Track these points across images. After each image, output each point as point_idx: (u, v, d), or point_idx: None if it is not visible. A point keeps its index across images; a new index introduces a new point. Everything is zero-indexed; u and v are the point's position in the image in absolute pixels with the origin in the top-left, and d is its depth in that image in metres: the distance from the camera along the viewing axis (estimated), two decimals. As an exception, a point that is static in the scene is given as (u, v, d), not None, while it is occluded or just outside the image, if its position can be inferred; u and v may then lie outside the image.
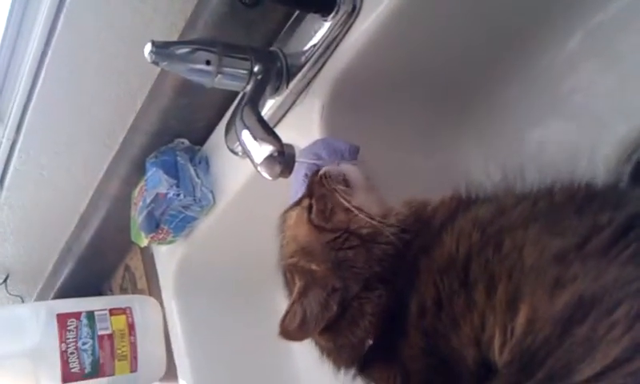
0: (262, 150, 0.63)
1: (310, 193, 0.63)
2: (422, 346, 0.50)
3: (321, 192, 0.62)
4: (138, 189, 1.13)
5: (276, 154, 0.63)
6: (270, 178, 0.65)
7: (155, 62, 0.71)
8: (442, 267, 0.50)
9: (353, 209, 0.59)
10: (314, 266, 0.58)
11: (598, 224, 0.45)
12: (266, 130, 0.65)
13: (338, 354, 0.60)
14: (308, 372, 1.19)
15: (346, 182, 0.62)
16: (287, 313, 0.56)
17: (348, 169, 0.64)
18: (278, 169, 0.64)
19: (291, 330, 0.56)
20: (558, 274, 0.42)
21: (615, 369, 0.38)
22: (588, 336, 0.39)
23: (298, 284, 0.57)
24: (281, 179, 0.68)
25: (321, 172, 0.63)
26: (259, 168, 0.64)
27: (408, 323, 0.51)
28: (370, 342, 0.58)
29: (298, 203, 0.65)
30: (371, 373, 0.58)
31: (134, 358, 1.21)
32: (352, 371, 0.60)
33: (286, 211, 0.66)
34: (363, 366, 0.59)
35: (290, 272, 0.61)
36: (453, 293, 0.48)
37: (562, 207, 0.49)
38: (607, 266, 0.42)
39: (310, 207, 0.62)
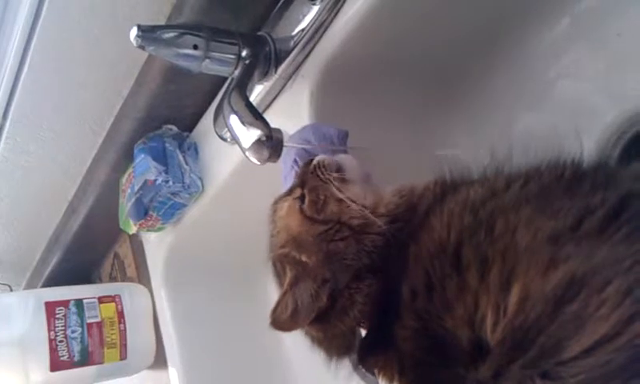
0: (249, 135, 0.63)
1: (302, 183, 0.63)
2: (415, 327, 0.50)
3: (315, 183, 0.61)
4: (126, 175, 1.12)
5: (264, 138, 0.63)
6: (259, 163, 0.65)
7: (141, 47, 0.70)
8: (432, 252, 0.50)
9: (347, 200, 0.59)
10: (304, 258, 0.58)
11: (590, 205, 0.45)
12: (254, 115, 0.65)
13: (330, 343, 0.60)
14: (298, 359, 1.20)
15: (340, 172, 0.62)
16: (278, 303, 0.56)
17: (344, 159, 0.64)
18: (266, 153, 0.63)
19: (282, 321, 0.56)
20: (551, 254, 0.43)
21: (603, 344, 0.39)
22: (578, 313, 0.40)
23: (289, 275, 0.57)
24: (270, 165, 0.68)
25: (315, 162, 0.63)
26: (247, 153, 0.64)
27: (401, 307, 0.52)
28: (365, 331, 0.59)
29: (289, 193, 0.64)
30: (371, 362, 0.58)
31: (124, 345, 1.20)
32: (346, 361, 0.61)
33: (277, 201, 0.66)
34: (362, 356, 0.59)
35: (280, 262, 0.61)
36: (444, 276, 0.48)
37: (552, 188, 0.49)
38: (600, 246, 0.43)
39: (302, 197, 0.61)
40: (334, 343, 0.60)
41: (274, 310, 0.56)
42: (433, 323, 0.48)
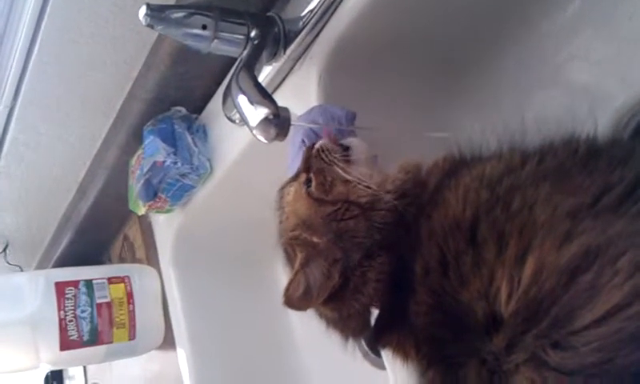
0: (257, 113, 0.63)
1: (306, 167, 0.63)
2: (429, 302, 0.51)
3: (319, 165, 0.62)
4: (135, 157, 1.13)
5: (271, 116, 0.63)
6: (266, 141, 0.65)
7: (150, 26, 0.70)
8: (446, 228, 0.51)
9: (352, 179, 0.59)
10: (315, 239, 0.58)
11: (609, 182, 0.46)
12: (262, 94, 0.65)
13: (345, 323, 0.60)
14: (306, 342, 1.20)
15: (342, 155, 0.62)
16: (291, 282, 0.57)
17: (352, 140, 0.65)
18: (273, 132, 0.64)
19: (295, 299, 0.57)
20: (568, 228, 0.43)
21: (615, 314, 0.39)
22: (592, 283, 0.41)
23: (300, 255, 0.58)
24: (277, 147, 0.68)
25: (317, 146, 0.63)
26: (255, 131, 0.64)
27: (414, 284, 0.52)
28: (378, 309, 0.59)
29: (295, 178, 0.65)
30: (386, 340, 0.59)
31: (133, 326, 1.21)
32: (363, 341, 0.61)
33: (284, 187, 0.66)
34: (377, 334, 0.60)
35: (291, 246, 0.61)
36: (460, 252, 0.48)
37: (569, 164, 0.50)
38: (615, 220, 0.43)
39: (308, 181, 0.62)
40: (349, 324, 0.60)
41: (287, 289, 0.56)
42: (448, 298, 0.48)
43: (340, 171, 0.60)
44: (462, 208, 0.50)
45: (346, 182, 0.59)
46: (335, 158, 0.61)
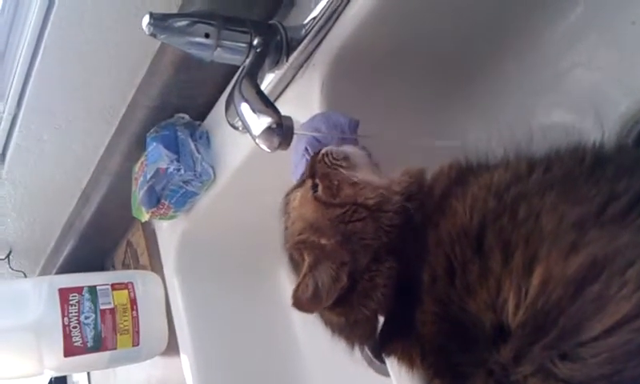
0: (260, 122, 0.63)
1: (312, 173, 0.63)
2: (436, 312, 0.50)
3: (324, 170, 0.61)
4: (138, 164, 1.13)
5: (274, 125, 0.63)
6: (269, 151, 0.65)
7: (153, 35, 0.70)
8: (453, 236, 0.50)
9: (359, 181, 0.59)
10: (323, 241, 0.58)
11: (615, 192, 0.46)
12: (264, 102, 0.65)
13: (352, 330, 0.60)
14: (309, 348, 1.20)
15: (346, 160, 0.62)
16: (299, 284, 0.56)
17: (350, 147, 0.64)
18: (276, 141, 0.63)
19: (304, 301, 0.56)
20: (574, 239, 0.43)
21: (624, 325, 0.39)
22: (600, 294, 0.41)
23: (308, 258, 0.57)
24: (281, 154, 0.68)
25: (322, 152, 0.63)
26: (258, 140, 0.64)
27: (421, 292, 0.52)
28: (384, 317, 0.59)
29: (300, 184, 0.65)
30: (391, 348, 0.58)
31: (136, 332, 1.22)
32: (367, 348, 0.61)
33: (289, 193, 0.65)
34: (383, 342, 0.59)
35: (298, 250, 0.60)
36: (466, 261, 0.48)
37: (575, 173, 0.50)
38: (622, 231, 0.43)
39: (314, 186, 0.61)
40: (355, 330, 0.60)
41: (295, 291, 0.56)
42: (454, 307, 0.48)
43: (347, 174, 0.60)
44: (470, 216, 0.50)
45: (354, 184, 0.59)
46: (339, 161, 0.61)
